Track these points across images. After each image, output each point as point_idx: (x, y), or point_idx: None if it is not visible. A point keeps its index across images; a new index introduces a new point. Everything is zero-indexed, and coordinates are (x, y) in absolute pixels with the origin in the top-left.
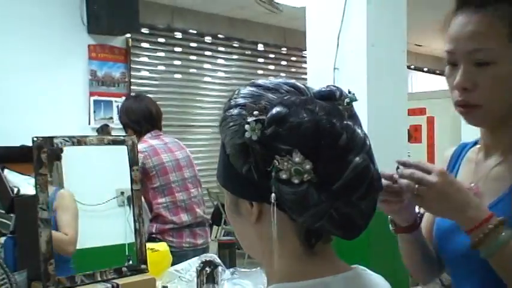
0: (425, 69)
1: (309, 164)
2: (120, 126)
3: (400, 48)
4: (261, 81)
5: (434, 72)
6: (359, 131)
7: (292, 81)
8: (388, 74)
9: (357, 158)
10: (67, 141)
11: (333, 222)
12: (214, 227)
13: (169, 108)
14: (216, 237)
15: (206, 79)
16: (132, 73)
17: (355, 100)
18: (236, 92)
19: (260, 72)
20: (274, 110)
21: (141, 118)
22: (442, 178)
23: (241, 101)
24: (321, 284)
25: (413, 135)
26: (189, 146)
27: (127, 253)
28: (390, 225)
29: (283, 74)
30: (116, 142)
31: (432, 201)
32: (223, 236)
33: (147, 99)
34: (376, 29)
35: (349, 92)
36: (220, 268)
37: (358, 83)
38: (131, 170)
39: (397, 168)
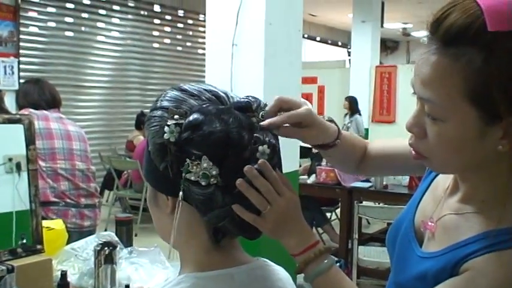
0: (318, 38)
1: (215, 170)
2: (9, 88)
3: (297, 27)
4: (186, 86)
5: (326, 42)
6: (269, 141)
7: (214, 88)
8: (285, 51)
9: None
10: None
11: (235, 223)
12: (106, 192)
13: (60, 67)
14: (107, 201)
15: (99, 38)
16: (21, 28)
17: None
18: (163, 95)
19: (156, 33)
20: (192, 117)
21: (43, 103)
22: (289, 203)
23: (165, 103)
24: (226, 274)
25: None
26: (80, 107)
27: (14, 221)
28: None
29: (179, 37)
30: (11, 121)
31: (272, 223)
32: (115, 201)
33: (49, 85)
34: (274, 9)
35: (266, 106)
36: (118, 247)
37: (255, 59)
38: (28, 149)
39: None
